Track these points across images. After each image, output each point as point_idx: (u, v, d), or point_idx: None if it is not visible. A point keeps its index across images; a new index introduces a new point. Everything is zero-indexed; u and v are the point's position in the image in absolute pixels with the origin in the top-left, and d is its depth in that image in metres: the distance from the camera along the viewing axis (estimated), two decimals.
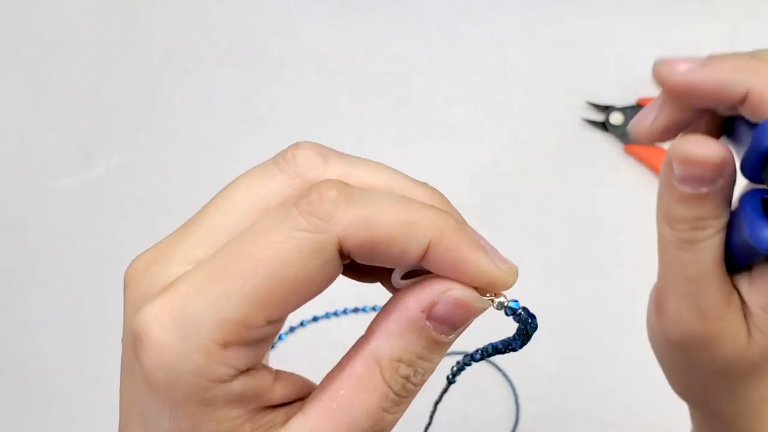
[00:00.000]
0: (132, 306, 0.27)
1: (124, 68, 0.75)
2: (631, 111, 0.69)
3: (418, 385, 0.28)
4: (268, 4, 0.76)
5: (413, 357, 0.27)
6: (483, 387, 0.63)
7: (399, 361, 0.27)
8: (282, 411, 0.28)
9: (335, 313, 0.62)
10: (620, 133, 0.69)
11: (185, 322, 0.25)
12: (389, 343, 0.27)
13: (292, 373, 0.29)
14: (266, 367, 0.28)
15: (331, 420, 0.27)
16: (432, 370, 0.28)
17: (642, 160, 0.68)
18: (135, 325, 0.25)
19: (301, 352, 0.61)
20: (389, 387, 0.27)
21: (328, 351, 0.61)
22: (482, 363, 0.63)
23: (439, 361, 0.28)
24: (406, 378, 0.27)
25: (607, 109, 0.69)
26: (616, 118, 0.69)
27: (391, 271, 0.28)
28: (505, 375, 0.63)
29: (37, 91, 0.75)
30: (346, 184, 0.26)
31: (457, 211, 0.30)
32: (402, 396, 0.27)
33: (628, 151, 0.68)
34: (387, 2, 0.75)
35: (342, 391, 0.27)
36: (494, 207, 0.67)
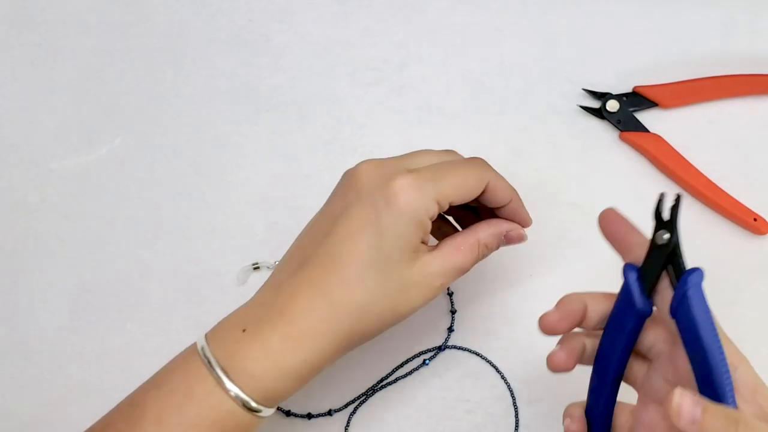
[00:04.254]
0: (372, 178, 0.52)
1: (127, 52, 0.76)
2: (627, 98, 0.70)
3: (486, 256, 0.56)
4: None
5: (493, 245, 0.56)
6: (478, 390, 0.63)
7: (486, 246, 0.55)
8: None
9: None
10: (616, 120, 0.69)
11: (421, 189, 0.51)
12: (487, 236, 0.55)
13: (448, 241, 0.55)
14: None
15: (453, 256, 0.53)
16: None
17: (637, 147, 0.69)
18: (393, 184, 0.50)
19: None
20: (478, 253, 0.55)
21: (336, 370, 0.63)
22: (479, 365, 0.64)
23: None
24: (486, 250, 0.56)
25: (603, 96, 0.70)
26: (612, 105, 0.70)
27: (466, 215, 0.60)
28: (503, 377, 0.64)
29: (40, 74, 0.76)
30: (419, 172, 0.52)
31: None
32: (479, 258, 0.55)
33: (623, 139, 0.69)
34: None
35: (462, 248, 0.54)
36: None
